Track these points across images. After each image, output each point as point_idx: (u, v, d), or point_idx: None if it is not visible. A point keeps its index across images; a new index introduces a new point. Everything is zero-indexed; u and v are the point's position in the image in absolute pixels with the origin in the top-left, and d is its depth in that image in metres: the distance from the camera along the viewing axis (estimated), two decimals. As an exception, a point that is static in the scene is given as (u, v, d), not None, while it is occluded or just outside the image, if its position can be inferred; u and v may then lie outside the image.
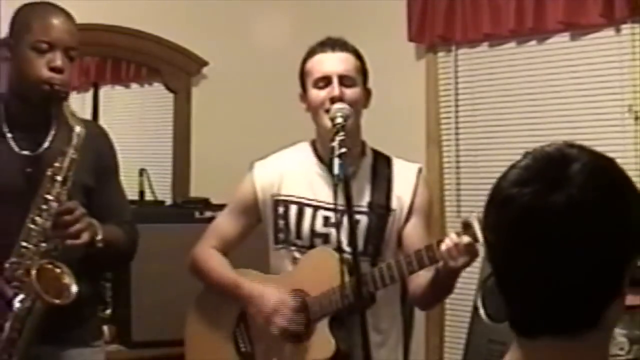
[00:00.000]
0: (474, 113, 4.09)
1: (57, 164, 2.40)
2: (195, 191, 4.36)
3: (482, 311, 3.61)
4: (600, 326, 1.15)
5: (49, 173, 2.39)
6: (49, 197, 2.38)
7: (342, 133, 2.45)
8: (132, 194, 4.37)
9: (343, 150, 2.40)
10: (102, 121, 4.49)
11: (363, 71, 2.69)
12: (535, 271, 1.15)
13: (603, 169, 1.18)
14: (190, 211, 3.84)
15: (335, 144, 2.42)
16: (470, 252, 2.39)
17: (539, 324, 1.17)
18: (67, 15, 2.52)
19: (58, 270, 2.37)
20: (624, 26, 3.54)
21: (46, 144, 2.51)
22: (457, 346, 3.95)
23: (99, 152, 2.61)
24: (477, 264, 3.73)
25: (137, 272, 3.67)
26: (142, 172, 4.39)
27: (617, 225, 1.14)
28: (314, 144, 2.75)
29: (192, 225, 3.41)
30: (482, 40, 4.00)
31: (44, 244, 2.37)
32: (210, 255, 2.79)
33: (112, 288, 3.96)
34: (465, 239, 2.38)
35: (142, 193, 4.37)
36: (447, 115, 4.18)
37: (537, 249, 1.14)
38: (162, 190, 4.42)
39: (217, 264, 2.78)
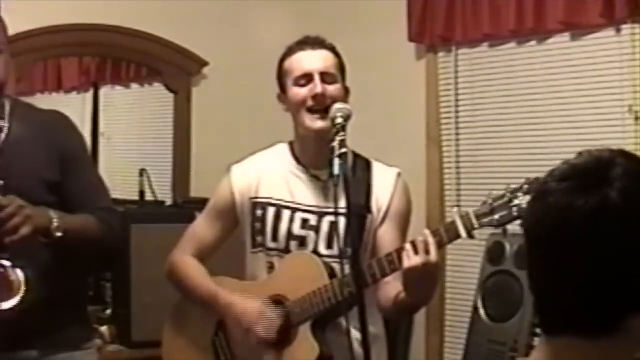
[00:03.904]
0: (474, 113, 4.09)
1: None
2: (195, 191, 4.35)
3: (482, 311, 3.61)
4: (623, 334, 1.13)
5: None
6: None
7: (342, 133, 2.43)
8: (132, 194, 4.38)
9: (343, 150, 2.37)
10: (102, 121, 4.51)
11: (341, 68, 2.67)
12: (553, 267, 1.15)
13: None
14: (190, 211, 3.82)
15: (335, 143, 2.39)
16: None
17: (557, 321, 1.17)
18: None
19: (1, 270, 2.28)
20: (624, 26, 3.54)
21: None
22: (457, 346, 3.94)
23: (58, 142, 2.52)
24: (477, 264, 3.75)
25: (137, 272, 3.67)
26: (142, 172, 4.40)
27: None
28: (291, 145, 2.72)
29: (192, 225, 3.39)
30: (482, 40, 4.00)
31: None
32: (187, 263, 2.72)
33: (112, 288, 3.97)
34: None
35: (142, 193, 4.37)
36: (447, 115, 4.18)
37: (559, 245, 1.14)
38: (162, 190, 4.42)
39: (195, 273, 2.71)
